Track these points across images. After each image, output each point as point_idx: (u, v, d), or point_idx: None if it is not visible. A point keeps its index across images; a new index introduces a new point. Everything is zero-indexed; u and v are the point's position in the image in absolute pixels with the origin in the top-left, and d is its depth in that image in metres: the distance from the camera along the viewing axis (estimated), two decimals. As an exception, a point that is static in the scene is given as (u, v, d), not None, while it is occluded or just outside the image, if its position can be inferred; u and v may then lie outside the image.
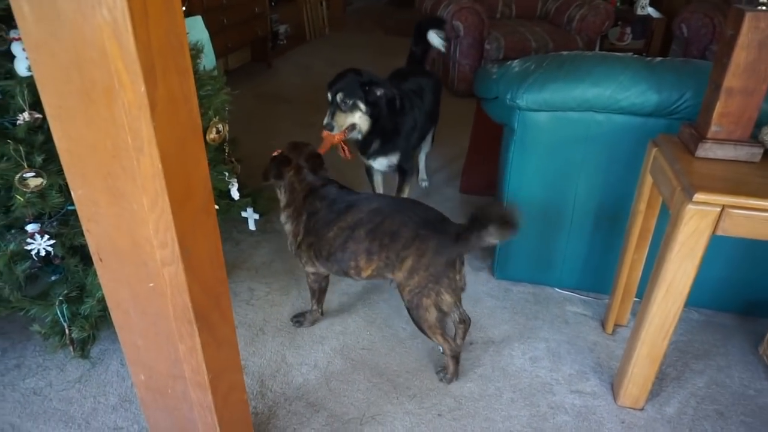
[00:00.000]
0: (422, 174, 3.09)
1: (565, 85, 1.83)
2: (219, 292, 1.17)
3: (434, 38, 2.82)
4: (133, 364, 1.25)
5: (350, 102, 2.27)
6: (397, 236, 1.63)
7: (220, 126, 2.17)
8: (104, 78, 0.85)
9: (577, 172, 1.98)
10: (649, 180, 1.73)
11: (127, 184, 0.95)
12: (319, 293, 1.99)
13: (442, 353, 1.81)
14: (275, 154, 1.86)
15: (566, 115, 1.88)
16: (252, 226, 2.45)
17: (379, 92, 2.30)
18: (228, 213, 2.27)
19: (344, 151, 2.28)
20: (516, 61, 2.10)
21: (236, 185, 2.22)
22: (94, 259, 1.08)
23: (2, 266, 1.62)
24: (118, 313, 1.15)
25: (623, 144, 1.88)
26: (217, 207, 2.10)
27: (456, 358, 1.78)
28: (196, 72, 2.08)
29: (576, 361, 1.91)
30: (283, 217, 1.87)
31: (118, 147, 0.92)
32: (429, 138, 2.96)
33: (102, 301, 1.70)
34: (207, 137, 2.10)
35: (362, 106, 2.29)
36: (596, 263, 2.14)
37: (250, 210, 2.38)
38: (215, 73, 2.21)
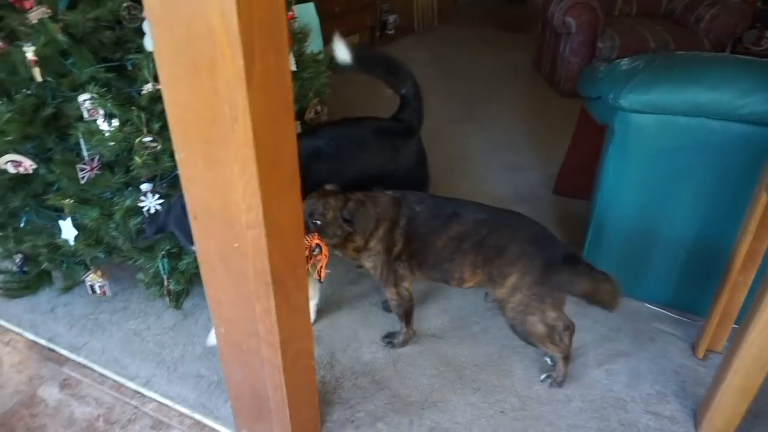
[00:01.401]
0: None
1: (676, 87, 1.70)
2: (296, 261, 1.25)
3: (339, 50, 2.07)
4: (216, 318, 1.36)
5: None
6: (502, 252, 1.60)
7: (318, 107, 2.27)
8: (210, 51, 0.94)
9: (682, 183, 1.84)
10: (764, 198, 1.58)
11: (222, 151, 1.04)
12: (408, 315, 1.87)
13: (552, 363, 1.80)
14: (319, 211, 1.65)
15: (674, 120, 1.76)
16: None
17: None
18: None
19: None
20: (626, 59, 1.99)
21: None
22: (190, 217, 1.19)
23: (119, 219, 1.81)
24: (206, 268, 1.26)
25: (738, 156, 1.73)
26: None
27: (567, 359, 1.74)
28: (301, 54, 2.19)
29: (657, 382, 1.80)
30: (373, 243, 1.72)
31: (216, 116, 1.00)
32: None
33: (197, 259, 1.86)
34: (306, 117, 2.20)
35: None
36: (693, 281, 1.99)
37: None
38: (320, 57, 2.31)
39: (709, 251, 1.90)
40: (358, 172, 1.92)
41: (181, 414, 1.68)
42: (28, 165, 1.76)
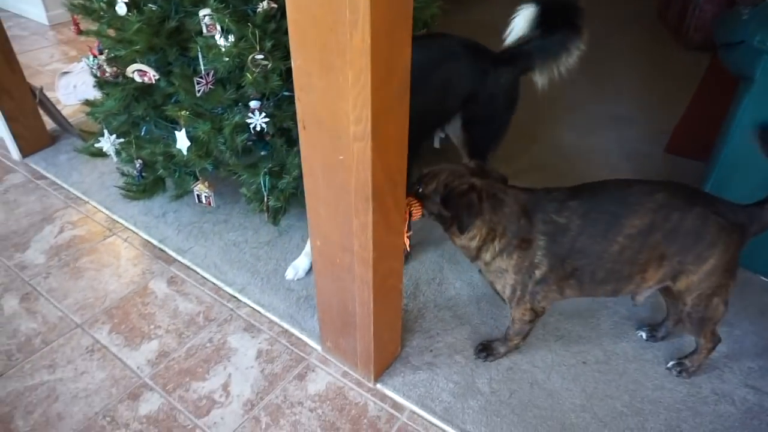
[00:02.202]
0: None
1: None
2: (397, 180, 1.25)
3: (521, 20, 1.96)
4: (313, 230, 1.41)
5: None
6: (702, 234, 1.35)
7: (425, 39, 2.21)
8: (335, -49, 0.93)
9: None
10: None
11: (338, 58, 1.04)
12: (530, 334, 1.63)
13: (694, 352, 1.60)
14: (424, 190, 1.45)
15: (829, 70, 1.55)
16: (436, 144, 2.50)
17: None
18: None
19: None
20: None
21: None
22: (299, 126, 1.22)
23: (228, 134, 1.90)
24: (310, 180, 1.30)
25: None
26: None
27: (715, 347, 1.56)
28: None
29: (762, 357, 1.67)
30: (486, 255, 1.45)
31: (336, 21, 1.00)
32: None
33: (297, 179, 1.93)
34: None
35: None
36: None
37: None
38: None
39: None
40: (440, 88, 1.84)
41: (271, 321, 1.79)
42: (152, 75, 1.87)
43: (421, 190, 1.45)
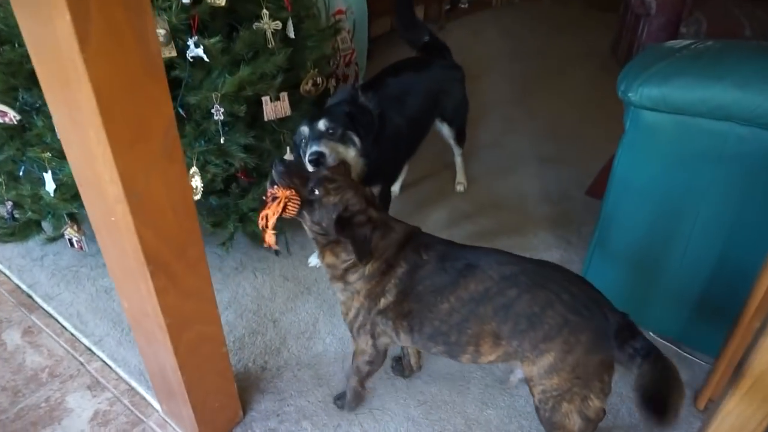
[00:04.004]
0: (459, 176, 2.59)
1: (697, 82, 1.40)
2: (185, 243, 1.16)
3: None
4: (119, 291, 1.31)
5: (339, 131, 1.73)
6: (537, 321, 1.19)
7: (318, 79, 2.14)
8: (46, 3, 0.85)
9: (699, 199, 1.54)
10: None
11: (79, 114, 0.96)
12: (369, 378, 1.52)
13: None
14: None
15: (695, 123, 1.45)
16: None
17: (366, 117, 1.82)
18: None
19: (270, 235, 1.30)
20: (670, 42, 1.68)
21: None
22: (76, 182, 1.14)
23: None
24: (100, 238, 1.21)
25: (772, 172, 1.40)
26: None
27: None
28: (303, 19, 2.05)
29: (637, 430, 1.54)
30: (352, 277, 1.34)
31: (69, 77, 0.92)
32: (451, 139, 2.44)
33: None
34: (302, 88, 2.09)
35: (356, 140, 1.77)
36: (708, 317, 1.68)
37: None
38: (325, 25, 2.17)
39: (729, 284, 1.58)
40: (422, 105, 2.14)
41: (118, 378, 1.68)
42: (12, 116, 1.80)
43: (317, 193, 1.29)
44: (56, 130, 1.08)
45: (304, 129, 1.77)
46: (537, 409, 1.30)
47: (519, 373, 1.30)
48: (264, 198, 1.31)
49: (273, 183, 1.31)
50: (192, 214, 1.14)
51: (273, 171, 1.30)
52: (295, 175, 1.30)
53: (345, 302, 1.40)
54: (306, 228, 1.36)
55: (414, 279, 1.30)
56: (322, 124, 1.74)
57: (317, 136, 1.72)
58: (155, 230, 1.07)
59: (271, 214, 1.24)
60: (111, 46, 0.88)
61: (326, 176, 1.32)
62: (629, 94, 1.50)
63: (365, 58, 3.33)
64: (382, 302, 1.33)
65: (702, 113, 1.42)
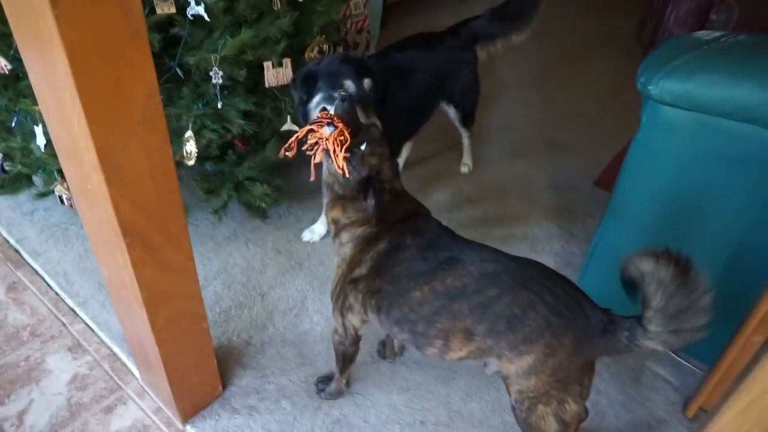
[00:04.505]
0: (465, 157, 2.51)
1: (723, 80, 1.31)
2: (165, 217, 1.11)
3: None
4: (98, 259, 1.27)
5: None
6: (517, 323, 1.15)
7: (325, 46, 2.05)
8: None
9: (713, 204, 1.46)
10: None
11: (54, 76, 0.90)
12: (345, 362, 1.50)
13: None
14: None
15: (716, 123, 1.37)
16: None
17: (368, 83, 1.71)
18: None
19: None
20: (696, 33, 1.58)
21: (324, 112, 2.11)
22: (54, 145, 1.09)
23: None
24: (78, 204, 1.16)
25: (793, 182, 1.33)
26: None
27: None
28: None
29: (624, 433, 1.51)
30: (344, 236, 1.33)
31: (38, 33, 0.85)
32: (457, 121, 2.36)
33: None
34: (307, 55, 2.01)
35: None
36: (709, 322, 1.62)
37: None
38: None
39: (734, 293, 1.51)
40: (426, 86, 2.04)
41: (100, 342, 1.66)
42: (3, 64, 1.74)
43: (362, 149, 1.24)
44: (34, 90, 1.02)
45: (349, 84, 1.66)
46: (513, 408, 1.26)
47: (493, 366, 1.27)
48: (317, 117, 1.24)
49: (327, 111, 1.27)
50: (174, 187, 1.09)
51: (336, 103, 1.28)
52: (352, 119, 1.27)
53: (335, 270, 1.39)
54: (325, 170, 1.33)
55: (391, 259, 1.28)
56: (367, 84, 1.68)
57: (359, 98, 1.64)
58: (133, 202, 1.02)
59: (331, 141, 1.19)
60: (86, 3, 0.81)
61: (378, 140, 1.29)
62: (649, 87, 1.41)
63: (378, 26, 3.21)
64: (356, 271, 1.32)
65: (725, 113, 1.33)
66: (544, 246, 2.09)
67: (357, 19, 2.89)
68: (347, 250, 1.34)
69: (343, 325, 1.40)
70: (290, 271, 1.94)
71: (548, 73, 3.48)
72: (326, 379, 1.56)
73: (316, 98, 1.70)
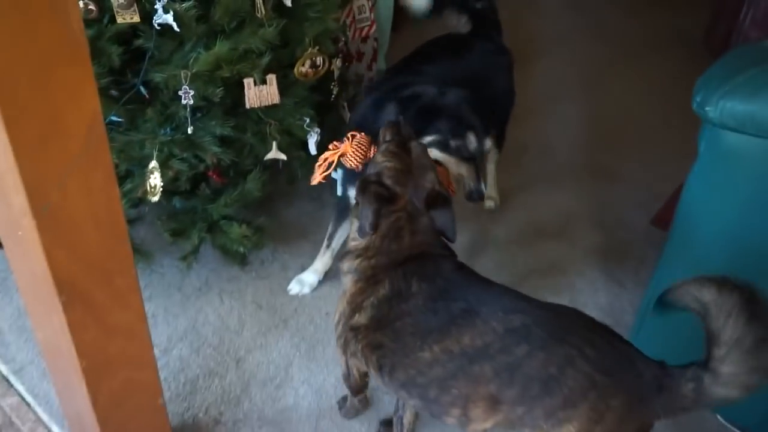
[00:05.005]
0: (490, 189, 2.50)
1: (796, 99, 1.30)
2: (111, 269, 1.13)
3: None
4: (32, 318, 1.29)
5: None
6: (554, 385, 1.14)
7: (319, 59, 2.09)
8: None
9: (793, 247, 1.44)
10: None
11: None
12: (357, 390, 1.60)
13: None
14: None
15: (791, 150, 1.36)
16: (340, 192, 2.37)
17: None
18: (306, 168, 2.22)
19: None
20: (766, 42, 1.60)
21: (316, 137, 2.14)
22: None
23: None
24: (8, 253, 1.18)
25: None
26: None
27: None
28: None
29: None
30: (345, 264, 1.40)
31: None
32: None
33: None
34: (297, 70, 2.05)
35: None
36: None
37: (341, 171, 2.30)
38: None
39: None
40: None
41: (36, 419, 1.66)
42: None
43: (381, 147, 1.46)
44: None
45: (471, 138, 1.77)
46: None
47: None
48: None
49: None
50: (121, 232, 1.11)
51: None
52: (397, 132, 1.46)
53: (339, 298, 1.44)
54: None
55: (393, 310, 1.29)
56: (488, 145, 1.86)
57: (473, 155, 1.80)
58: (71, 251, 1.04)
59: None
60: (11, 17, 0.84)
61: (397, 140, 1.43)
62: (707, 109, 1.41)
63: (388, 34, 3.26)
64: (356, 318, 1.35)
65: (800, 139, 1.33)
66: (586, 300, 2.08)
67: (362, 25, 2.94)
68: (348, 282, 1.39)
69: (347, 364, 1.46)
70: (273, 331, 1.94)
71: (593, 84, 3.50)
72: (346, 398, 1.69)
73: (428, 138, 1.74)
